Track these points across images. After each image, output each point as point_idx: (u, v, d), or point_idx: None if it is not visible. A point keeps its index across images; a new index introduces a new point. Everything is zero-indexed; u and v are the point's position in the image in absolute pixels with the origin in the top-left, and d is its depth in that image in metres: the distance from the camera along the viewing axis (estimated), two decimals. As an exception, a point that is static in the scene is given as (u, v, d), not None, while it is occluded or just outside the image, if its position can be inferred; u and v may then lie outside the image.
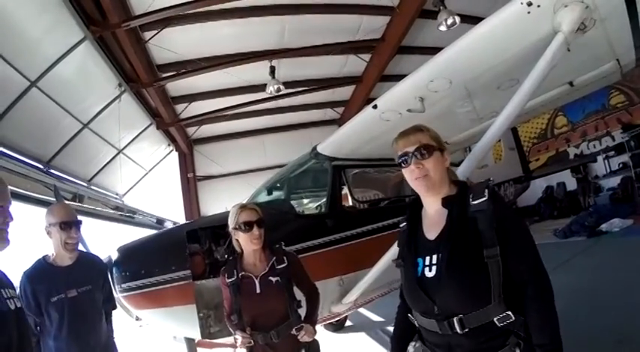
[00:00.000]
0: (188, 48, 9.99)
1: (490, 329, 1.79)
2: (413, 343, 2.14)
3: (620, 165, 14.07)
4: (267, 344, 2.93)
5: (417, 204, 2.16)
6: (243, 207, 3.11)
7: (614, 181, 14.19)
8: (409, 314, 2.12)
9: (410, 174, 2.04)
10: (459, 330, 1.80)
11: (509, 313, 1.77)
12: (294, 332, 2.95)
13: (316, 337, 3.13)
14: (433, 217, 2.05)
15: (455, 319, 1.81)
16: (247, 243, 3.05)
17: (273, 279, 3.00)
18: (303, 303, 3.16)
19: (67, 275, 3.28)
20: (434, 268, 1.90)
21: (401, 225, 2.22)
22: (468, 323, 1.80)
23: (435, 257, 1.91)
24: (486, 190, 1.88)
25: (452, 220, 1.93)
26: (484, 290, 1.79)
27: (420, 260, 1.98)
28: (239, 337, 2.91)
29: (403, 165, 2.05)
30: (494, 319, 1.78)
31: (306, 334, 2.95)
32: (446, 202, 1.99)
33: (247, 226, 3.00)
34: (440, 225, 1.97)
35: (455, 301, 1.84)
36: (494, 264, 1.77)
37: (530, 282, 1.81)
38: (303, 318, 3.07)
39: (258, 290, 2.98)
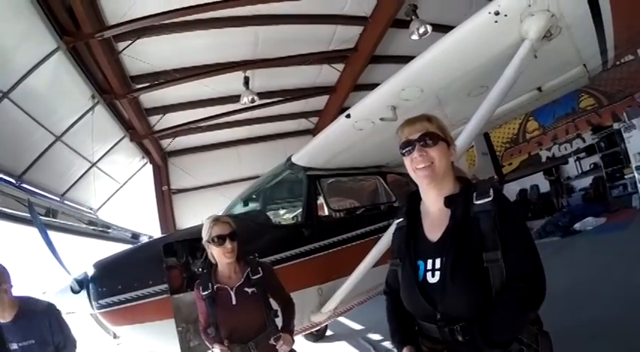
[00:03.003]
0: (162, 59, 9.90)
1: None
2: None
3: (592, 166, 14.38)
4: None
5: (415, 198, 2.05)
6: (215, 221, 3.10)
7: (586, 182, 14.50)
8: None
9: (411, 164, 1.93)
10: (460, 338, 1.72)
11: None
12: (272, 342, 2.94)
13: (295, 347, 3.14)
14: (435, 216, 1.94)
15: (457, 326, 1.73)
16: (220, 256, 3.04)
17: (249, 290, 2.99)
18: (280, 313, 3.16)
19: (7, 331, 3.04)
20: (437, 273, 1.80)
21: (397, 221, 2.11)
22: (470, 330, 1.71)
23: (438, 261, 1.82)
24: (491, 190, 1.80)
25: (455, 221, 1.84)
26: (487, 296, 1.72)
27: (420, 263, 1.87)
28: (217, 350, 2.90)
29: (406, 154, 1.94)
30: None
31: (285, 343, 2.95)
32: (449, 201, 1.90)
33: (220, 239, 3.00)
34: (442, 226, 1.88)
35: (459, 308, 1.75)
36: (496, 269, 1.70)
37: (525, 279, 1.72)
38: (280, 328, 3.07)
39: (234, 302, 2.97)
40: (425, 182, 1.91)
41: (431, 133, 1.90)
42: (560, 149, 15.77)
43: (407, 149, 1.93)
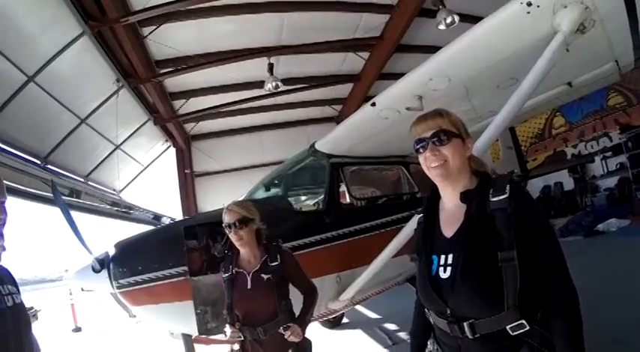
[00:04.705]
0: (186, 44, 9.96)
1: (502, 337, 1.67)
2: (431, 340, 2.03)
3: (618, 166, 14.19)
4: (254, 340, 2.95)
5: (435, 194, 2.01)
6: (226, 209, 3.14)
7: (612, 181, 14.30)
8: (425, 310, 1.99)
9: (425, 162, 1.88)
10: (469, 335, 1.70)
11: (524, 322, 1.64)
12: (281, 330, 2.93)
13: (310, 336, 3.11)
14: (451, 212, 1.90)
15: (466, 323, 1.71)
16: (234, 243, 3.10)
17: (265, 276, 3.01)
18: (295, 302, 3.14)
19: None
20: (449, 269, 1.77)
21: (417, 217, 2.08)
22: (479, 328, 1.69)
23: (450, 257, 1.78)
24: (508, 186, 1.71)
25: (470, 218, 1.78)
26: (498, 296, 1.66)
27: (434, 258, 1.85)
28: (228, 331, 2.95)
29: (420, 151, 1.88)
30: (507, 327, 1.65)
31: (293, 334, 2.90)
32: (464, 197, 1.84)
33: (229, 227, 3.05)
34: (458, 222, 1.82)
35: (467, 306, 1.72)
36: (510, 269, 1.63)
37: (554, 289, 1.66)
38: (296, 317, 3.06)
39: (249, 286, 3.01)
40: (438, 180, 1.89)
41: (444, 131, 1.83)
42: (587, 147, 15.58)
43: (420, 147, 1.88)
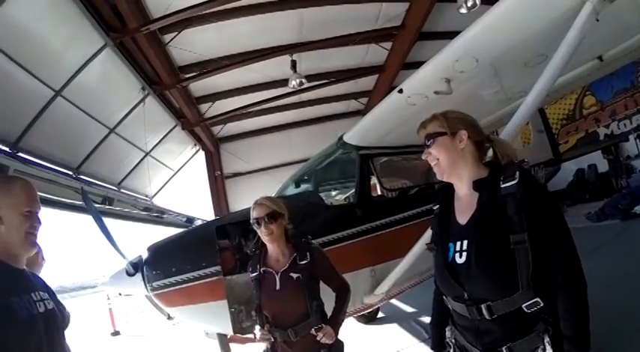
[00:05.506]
0: (208, 47, 10.04)
1: (518, 316, 1.77)
2: (449, 326, 2.12)
3: (653, 144, 13.70)
4: (285, 342, 2.86)
5: (450, 185, 2.12)
6: (255, 203, 3.04)
7: (647, 161, 13.81)
8: (444, 297, 2.08)
9: None
10: (487, 316, 1.80)
11: (538, 299, 1.73)
12: (313, 332, 2.83)
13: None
14: (465, 200, 2.01)
15: (483, 306, 1.80)
16: (263, 238, 2.99)
17: (294, 276, 2.89)
18: (326, 300, 3.02)
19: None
20: (464, 254, 1.88)
21: (434, 208, 2.20)
22: (496, 310, 1.79)
23: (465, 242, 1.89)
24: (517, 172, 1.80)
25: (482, 205, 1.89)
26: (512, 278, 1.75)
27: (451, 245, 1.96)
28: (257, 332, 2.89)
29: None
30: (523, 306, 1.75)
31: (325, 336, 2.80)
32: (476, 185, 1.96)
33: (257, 222, 2.95)
34: (471, 209, 1.93)
35: (483, 289, 1.82)
36: (522, 251, 1.72)
37: (559, 271, 1.75)
38: (328, 317, 2.95)
39: (277, 287, 2.90)
40: (438, 177, 2.07)
41: (428, 134, 2.06)
42: (620, 126, 15.04)
43: None
